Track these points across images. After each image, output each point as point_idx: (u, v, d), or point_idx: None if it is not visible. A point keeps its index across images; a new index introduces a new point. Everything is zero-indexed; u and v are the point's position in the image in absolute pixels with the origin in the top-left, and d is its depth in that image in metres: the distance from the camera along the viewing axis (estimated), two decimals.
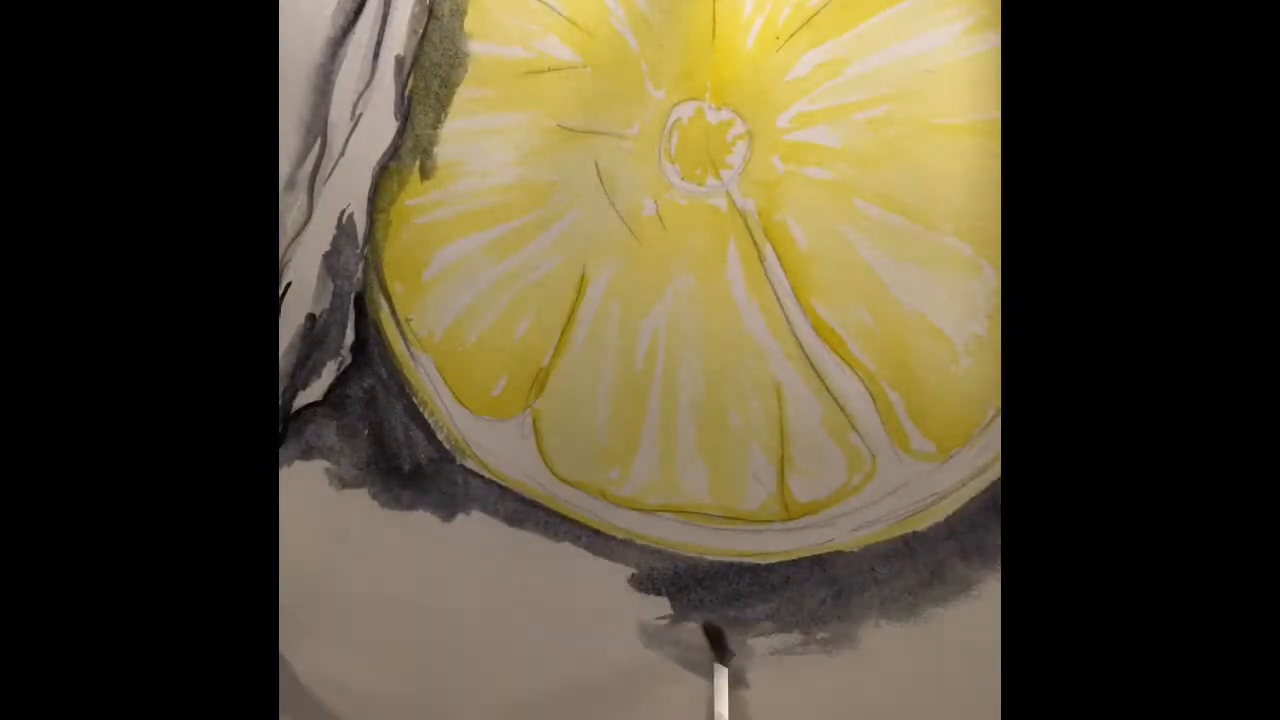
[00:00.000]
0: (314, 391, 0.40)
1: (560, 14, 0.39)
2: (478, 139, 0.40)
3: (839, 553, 0.38)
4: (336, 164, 0.40)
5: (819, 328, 0.38)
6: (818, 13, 0.38)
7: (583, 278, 0.39)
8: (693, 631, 0.39)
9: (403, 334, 0.40)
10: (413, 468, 0.40)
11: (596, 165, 0.39)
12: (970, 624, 0.37)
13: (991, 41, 0.37)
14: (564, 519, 0.39)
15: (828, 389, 0.38)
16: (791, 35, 0.38)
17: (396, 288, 0.40)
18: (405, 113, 0.40)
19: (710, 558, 0.39)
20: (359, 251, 0.40)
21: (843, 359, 0.38)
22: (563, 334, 0.39)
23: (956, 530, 0.38)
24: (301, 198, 0.40)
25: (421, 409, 0.40)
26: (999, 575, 0.37)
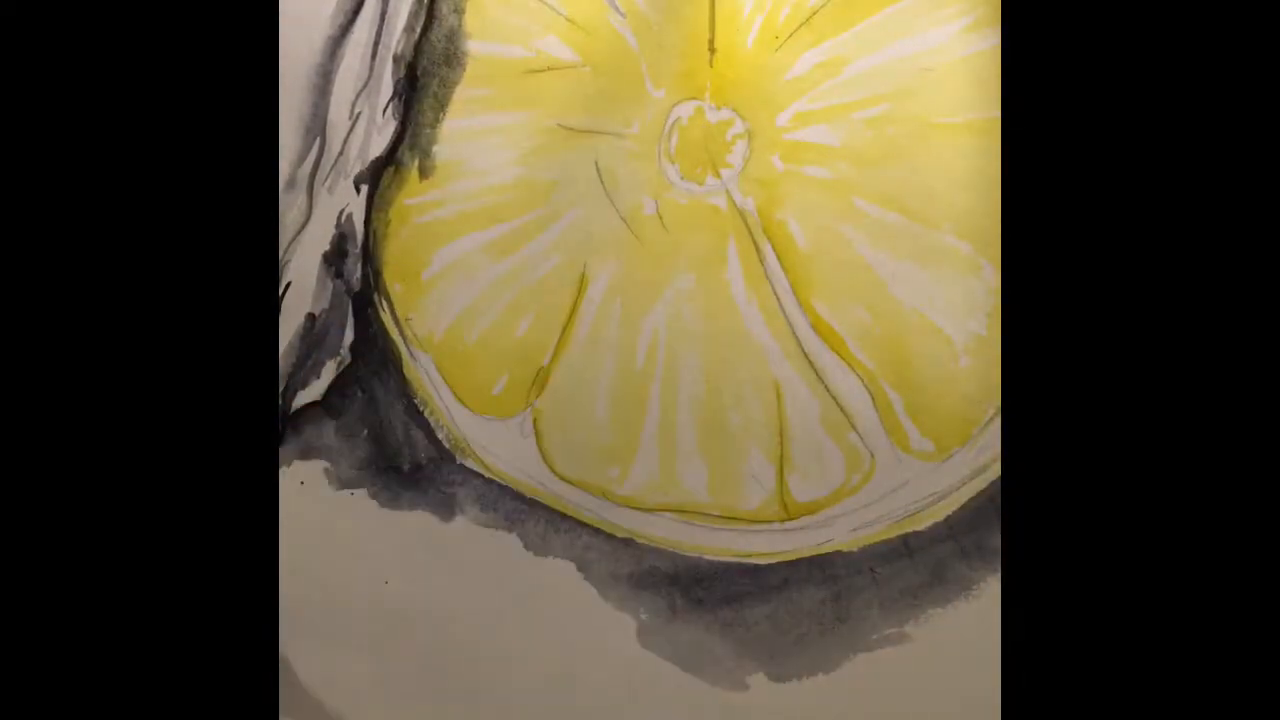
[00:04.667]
0: (313, 391, 0.40)
1: (560, 13, 0.39)
2: (477, 138, 0.40)
3: (838, 553, 0.38)
4: (336, 163, 0.40)
5: (818, 326, 0.38)
6: (817, 12, 0.38)
7: (583, 277, 0.39)
8: (692, 631, 0.39)
9: (402, 334, 0.40)
10: (412, 467, 0.40)
11: (596, 164, 0.39)
12: (970, 624, 0.37)
13: (991, 40, 0.37)
14: (564, 518, 0.39)
15: (826, 388, 0.38)
16: (791, 34, 0.38)
17: (396, 287, 0.40)
18: (404, 112, 0.40)
19: (710, 558, 0.39)
20: (358, 251, 0.40)
21: (842, 358, 0.38)
22: (563, 333, 0.39)
23: (956, 530, 0.38)
24: (301, 197, 0.40)
25: (421, 408, 0.40)
26: (999, 575, 0.37)
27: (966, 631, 0.37)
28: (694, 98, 0.39)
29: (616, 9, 0.39)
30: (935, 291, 0.37)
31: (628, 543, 0.39)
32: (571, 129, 0.39)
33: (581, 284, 0.39)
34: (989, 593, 0.37)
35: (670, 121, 0.39)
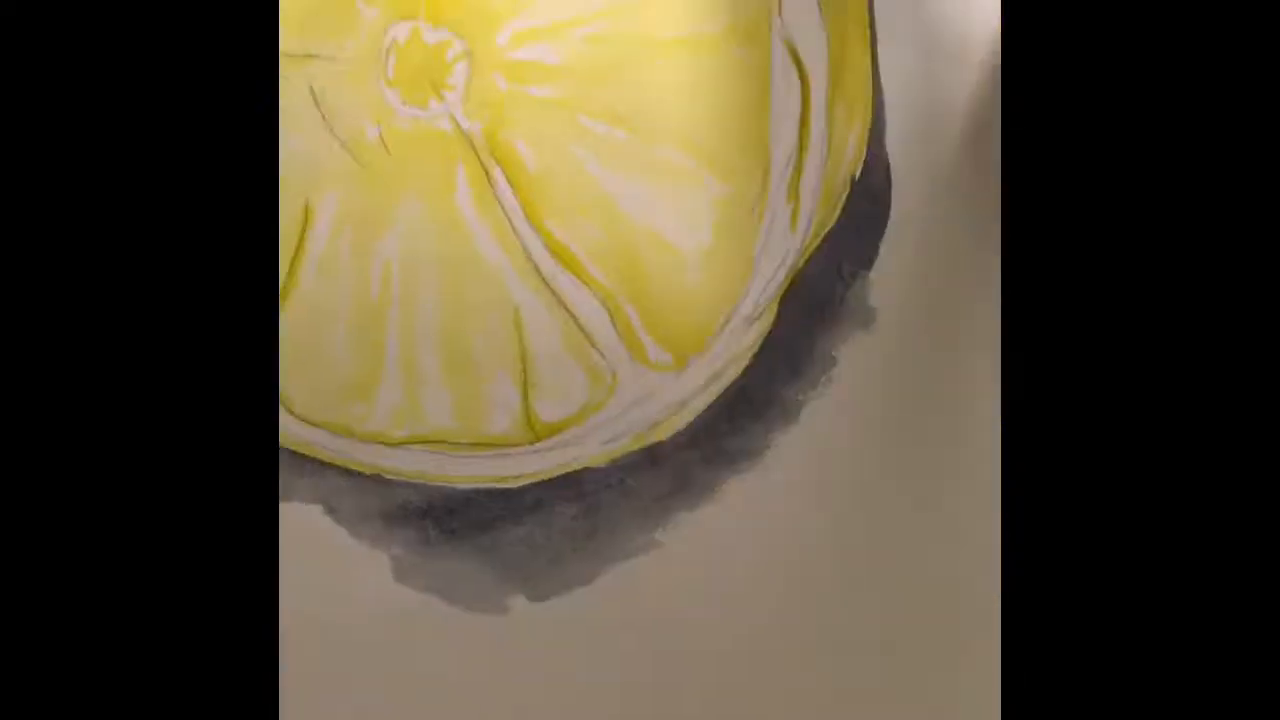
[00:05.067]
0: None
1: None
2: None
3: (588, 469, 0.39)
4: None
5: (552, 247, 0.38)
6: None
7: (306, 209, 0.38)
8: (448, 562, 0.39)
9: None
10: None
11: (311, 90, 0.37)
12: (716, 526, 0.39)
13: None
14: (306, 460, 0.38)
15: (565, 307, 0.38)
16: None
17: None
18: None
19: (461, 486, 0.39)
20: None
21: (578, 277, 0.38)
22: (290, 270, 0.38)
23: (697, 437, 0.39)
24: None
25: None
26: (739, 476, 0.39)
27: (715, 535, 0.39)
28: (409, 17, 0.37)
29: None
30: (662, 206, 0.38)
31: (376, 479, 0.39)
32: (282, 52, 0.37)
33: (306, 217, 0.38)
34: (731, 494, 0.39)
35: (386, 43, 0.37)
